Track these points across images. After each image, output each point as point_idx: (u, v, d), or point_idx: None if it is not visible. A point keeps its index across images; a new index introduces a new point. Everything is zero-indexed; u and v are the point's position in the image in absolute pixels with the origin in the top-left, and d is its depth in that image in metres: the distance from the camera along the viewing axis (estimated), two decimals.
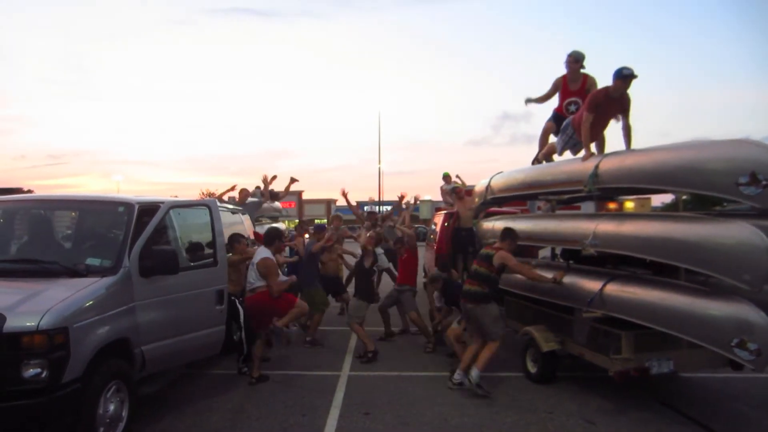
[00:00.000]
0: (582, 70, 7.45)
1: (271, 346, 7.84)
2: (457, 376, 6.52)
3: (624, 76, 6.10)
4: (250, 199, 10.98)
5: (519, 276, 7.51)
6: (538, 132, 8.24)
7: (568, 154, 7.33)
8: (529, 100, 7.95)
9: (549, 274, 6.70)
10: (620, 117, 6.43)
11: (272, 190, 12.04)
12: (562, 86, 7.63)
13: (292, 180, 12.08)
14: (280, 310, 6.98)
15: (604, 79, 7.32)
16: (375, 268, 9.04)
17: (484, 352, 6.39)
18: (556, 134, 7.81)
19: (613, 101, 6.31)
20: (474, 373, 6.29)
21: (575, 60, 7.37)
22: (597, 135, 6.69)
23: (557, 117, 7.81)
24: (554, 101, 7.87)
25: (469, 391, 6.28)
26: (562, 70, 7.62)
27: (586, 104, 6.58)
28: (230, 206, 9.35)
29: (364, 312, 8.19)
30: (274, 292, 6.83)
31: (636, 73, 6.09)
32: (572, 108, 7.46)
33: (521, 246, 8.26)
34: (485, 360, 6.35)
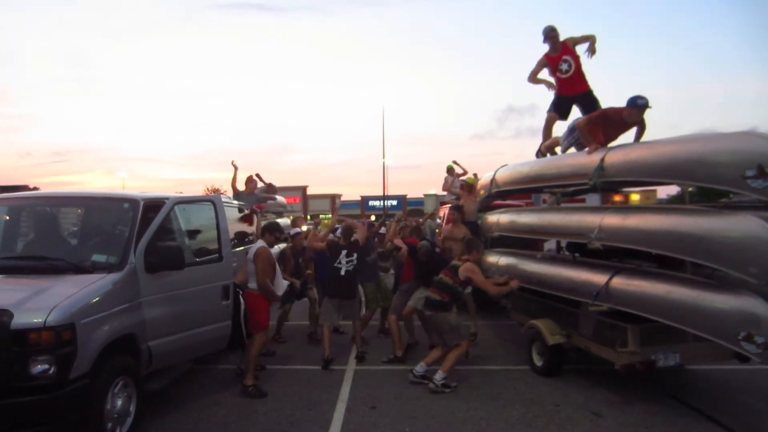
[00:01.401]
0: (560, 39, 7.58)
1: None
2: (419, 368, 6.60)
3: (638, 106, 5.99)
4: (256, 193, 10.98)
5: (525, 269, 7.54)
6: (543, 125, 8.21)
7: (571, 148, 7.31)
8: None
9: (506, 285, 6.82)
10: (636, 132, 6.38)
11: (271, 184, 12.01)
12: (547, 60, 7.70)
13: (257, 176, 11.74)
14: (252, 319, 6.60)
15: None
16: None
17: (450, 357, 6.44)
18: (562, 119, 7.78)
19: (627, 124, 6.27)
20: (438, 375, 6.32)
21: (546, 34, 7.57)
22: (604, 144, 6.65)
23: (558, 102, 7.79)
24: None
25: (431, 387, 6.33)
26: None
27: (595, 113, 6.55)
28: (236, 203, 9.35)
29: (334, 312, 7.70)
30: (258, 279, 6.52)
31: (650, 104, 5.96)
32: (564, 66, 7.54)
33: (527, 239, 8.28)
34: (451, 364, 6.41)
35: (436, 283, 6.72)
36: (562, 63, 7.55)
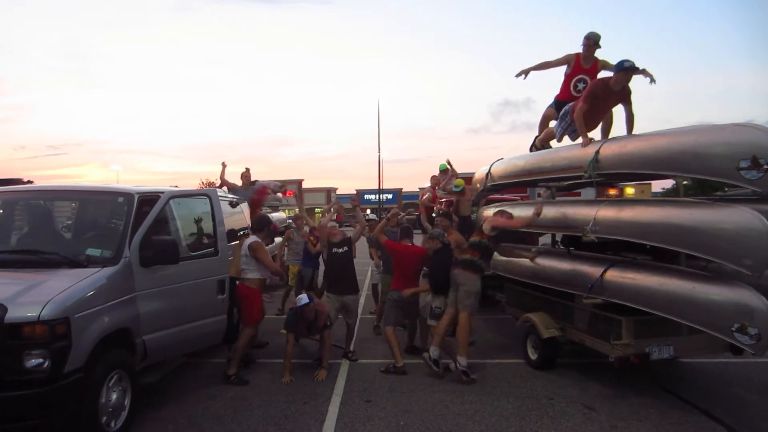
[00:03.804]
0: (596, 53, 7.40)
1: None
2: (434, 352, 6.59)
3: (625, 69, 6.04)
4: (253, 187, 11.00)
5: (521, 262, 7.55)
6: (539, 119, 8.20)
7: (567, 140, 7.32)
8: (524, 72, 7.65)
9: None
10: (623, 107, 6.38)
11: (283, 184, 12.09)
12: (574, 62, 7.47)
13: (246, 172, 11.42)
14: (244, 311, 6.77)
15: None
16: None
17: (460, 337, 6.48)
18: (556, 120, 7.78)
19: (613, 93, 6.27)
20: (462, 360, 6.39)
21: (594, 42, 7.24)
22: (595, 124, 6.66)
23: (558, 104, 7.77)
24: (556, 86, 7.82)
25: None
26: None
27: (583, 94, 6.55)
28: (230, 197, 9.36)
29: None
30: (270, 268, 6.92)
31: (637, 66, 6.02)
32: (580, 86, 7.43)
33: (522, 233, 8.28)
34: (465, 342, 6.49)
35: (469, 245, 6.77)
36: (580, 81, 7.42)
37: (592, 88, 6.45)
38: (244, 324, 6.76)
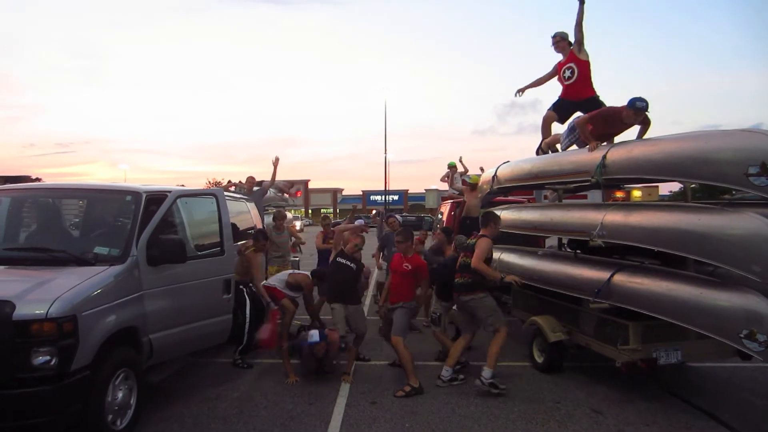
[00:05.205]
0: (568, 46, 7.49)
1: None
2: (445, 372, 6.36)
3: (637, 109, 6.01)
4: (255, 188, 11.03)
5: (526, 265, 7.53)
6: (541, 123, 8.18)
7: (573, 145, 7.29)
8: (520, 90, 8.09)
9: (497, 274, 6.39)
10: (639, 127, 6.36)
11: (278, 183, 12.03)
12: (558, 68, 7.64)
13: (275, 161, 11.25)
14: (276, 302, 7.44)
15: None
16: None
17: (492, 348, 6.12)
18: (560, 121, 7.76)
19: (626, 125, 6.27)
20: (486, 372, 6.01)
21: (561, 38, 7.48)
22: (605, 141, 6.63)
23: (559, 105, 7.75)
24: (557, 86, 7.81)
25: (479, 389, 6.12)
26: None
27: (594, 113, 6.54)
28: (237, 195, 9.38)
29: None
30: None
31: (649, 107, 5.99)
32: (567, 73, 7.48)
33: (529, 236, 8.27)
34: (495, 358, 6.09)
35: (460, 266, 6.41)
36: (565, 70, 7.50)
37: (605, 112, 6.45)
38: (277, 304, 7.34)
